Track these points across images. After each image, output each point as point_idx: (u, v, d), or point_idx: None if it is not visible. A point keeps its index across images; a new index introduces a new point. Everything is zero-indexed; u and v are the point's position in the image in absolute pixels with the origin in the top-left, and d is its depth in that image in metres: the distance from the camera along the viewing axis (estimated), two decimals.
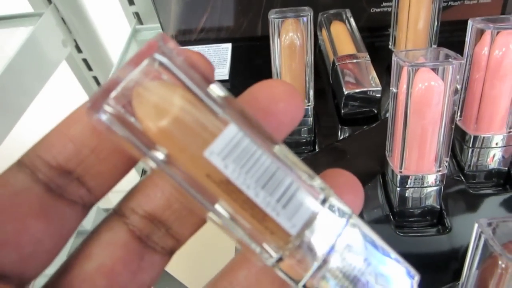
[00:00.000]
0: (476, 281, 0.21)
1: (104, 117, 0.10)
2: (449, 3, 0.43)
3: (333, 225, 0.11)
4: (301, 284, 0.11)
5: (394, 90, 0.26)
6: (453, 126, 0.26)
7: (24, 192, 0.10)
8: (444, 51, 0.25)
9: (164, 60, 0.10)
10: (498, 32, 0.26)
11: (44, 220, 0.10)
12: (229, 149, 0.10)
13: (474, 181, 0.31)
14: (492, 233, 0.20)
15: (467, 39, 0.28)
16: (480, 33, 0.27)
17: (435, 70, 0.24)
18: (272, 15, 0.32)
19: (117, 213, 0.12)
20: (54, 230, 0.11)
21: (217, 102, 0.10)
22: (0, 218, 0.10)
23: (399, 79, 0.25)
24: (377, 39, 0.45)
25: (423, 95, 0.25)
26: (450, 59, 0.24)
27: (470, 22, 0.28)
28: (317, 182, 0.11)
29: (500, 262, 0.19)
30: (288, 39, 0.32)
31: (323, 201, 0.11)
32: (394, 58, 0.25)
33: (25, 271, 0.10)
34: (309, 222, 0.10)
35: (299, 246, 0.10)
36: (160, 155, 0.10)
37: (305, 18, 0.31)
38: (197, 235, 0.13)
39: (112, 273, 0.11)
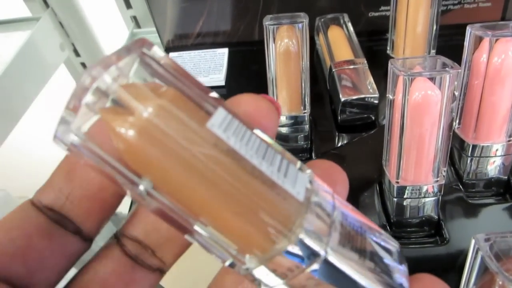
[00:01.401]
0: None
1: (72, 146, 0.10)
2: (449, 7, 0.42)
3: (325, 200, 0.11)
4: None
5: (391, 97, 0.26)
6: (451, 133, 0.25)
7: (33, 218, 0.12)
8: (441, 59, 0.25)
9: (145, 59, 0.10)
10: (496, 40, 0.26)
11: (48, 240, 0.12)
12: (226, 125, 0.10)
13: (473, 190, 0.30)
14: (490, 249, 0.19)
15: (466, 45, 0.27)
16: (479, 40, 0.27)
17: (432, 79, 0.24)
18: (267, 22, 0.31)
19: (115, 236, 0.14)
20: (57, 250, 0.12)
21: (203, 98, 0.10)
22: (12, 236, 0.12)
23: (396, 86, 0.25)
24: (375, 43, 0.44)
25: (420, 104, 0.24)
26: (447, 68, 0.24)
27: (468, 29, 0.27)
28: (298, 163, 0.11)
29: (497, 280, 0.18)
30: (283, 45, 0.31)
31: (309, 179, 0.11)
32: (390, 66, 0.25)
33: (32, 284, 0.12)
34: (308, 192, 0.11)
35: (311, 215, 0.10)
36: (145, 182, 0.10)
37: (300, 25, 0.31)
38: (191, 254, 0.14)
39: (106, 282, 0.13)
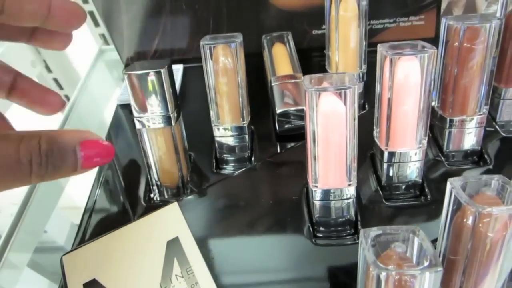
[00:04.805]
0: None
1: None
2: (385, 25, 0.46)
3: None
4: None
5: (305, 109, 0.29)
6: (355, 141, 0.28)
7: None
8: (348, 76, 0.28)
9: None
10: (399, 57, 0.29)
11: None
12: None
13: (391, 193, 0.33)
14: (371, 242, 0.22)
15: (377, 63, 0.31)
16: (385, 58, 0.30)
17: (339, 93, 0.27)
18: (205, 42, 0.34)
19: None
20: None
21: None
22: None
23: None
24: (320, 59, 0.47)
25: (326, 115, 0.27)
26: (347, 84, 0.27)
27: (378, 48, 0.30)
28: None
29: (371, 270, 0.21)
30: (220, 63, 0.34)
31: None
32: (303, 83, 0.28)
33: None
34: None
35: None
36: None
37: (233, 44, 0.34)
38: None
39: None
